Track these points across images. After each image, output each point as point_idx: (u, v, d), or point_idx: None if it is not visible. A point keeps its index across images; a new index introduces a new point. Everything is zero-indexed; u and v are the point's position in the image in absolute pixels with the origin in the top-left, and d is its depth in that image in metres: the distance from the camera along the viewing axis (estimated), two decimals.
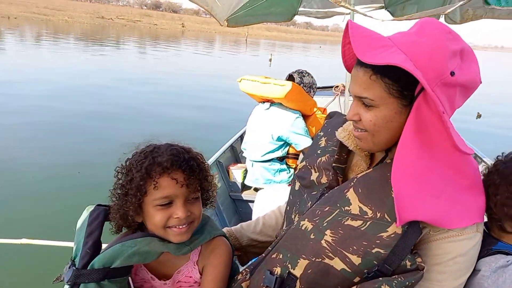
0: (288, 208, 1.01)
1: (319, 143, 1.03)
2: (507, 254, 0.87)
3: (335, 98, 4.48)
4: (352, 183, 0.83)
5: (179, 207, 0.86)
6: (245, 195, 2.75)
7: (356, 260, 0.75)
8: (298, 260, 0.81)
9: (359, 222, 0.77)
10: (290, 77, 2.55)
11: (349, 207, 0.80)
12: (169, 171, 0.84)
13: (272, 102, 2.56)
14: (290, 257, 0.83)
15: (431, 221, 0.72)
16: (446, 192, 0.74)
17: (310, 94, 2.56)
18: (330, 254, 0.78)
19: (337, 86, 4.60)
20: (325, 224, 0.81)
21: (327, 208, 0.83)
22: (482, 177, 0.90)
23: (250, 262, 1.15)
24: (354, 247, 0.75)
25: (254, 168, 2.61)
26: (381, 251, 0.73)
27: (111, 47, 20.06)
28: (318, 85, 4.81)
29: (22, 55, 13.48)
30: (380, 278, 0.73)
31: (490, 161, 2.60)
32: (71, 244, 2.13)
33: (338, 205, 0.81)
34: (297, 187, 1.01)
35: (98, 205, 0.96)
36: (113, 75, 11.29)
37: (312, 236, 0.81)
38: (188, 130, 6.61)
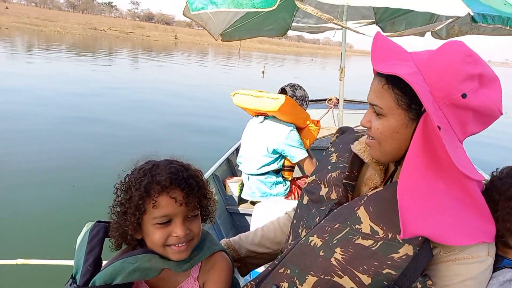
0: (294, 222, 1.01)
1: (330, 158, 1.03)
2: None
3: (328, 111, 4.54)
4: (363, 201, 0.83)
5: (178, 225, 0.86)
6: (242, 209, 2.75)
7: (366, 280, 0.75)
8: (307, 277, 0.81)
9: (370, 242, 0.76)
10: (283, 91, 2.59)
11: (359, 225, 0.79)
12: (168, 190, 0.84)
13: (266, 116, 2.59)
14: (298, 273, 0.83)
15: (435, 237, 0.71)
16: (452, 210, 0.73)
17: (303, 107, 2.59)
18: (339, 272, 0.77)
19: (330, 99, 4.67)
20: (335, 242, 0.80)
21: (337, 225, 0.83)
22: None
23: (251, 273, 1.16)
24: (365, 267, 0.75)
25: (250, 181, 2.62)
26: (392, 272, 0.73)
27: (103, 58, 20.01)
28: (311, 98, 4.90)
29: (13, 64, 13.37)
30: None
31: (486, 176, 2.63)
32: (67, 262, 2.13)
33: (349, 223, 0.81)
34: (305, 201, 1.01)
35: (98, 221, 0.95)
36: (107, 87, 11.26)
37: (321, 253, 0.81)
38: (183, 143, 6.60)
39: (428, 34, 3.40)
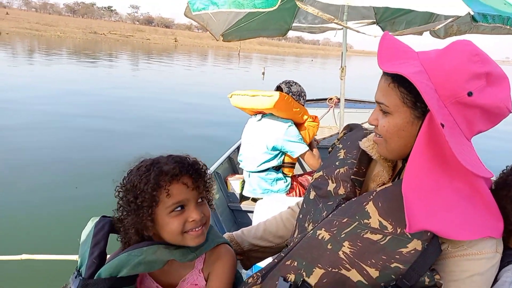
0: (301, 216, 1.02)
1: (338, 155, 1.04)
2: None
3: (329, 110, 4.57)
4: (372, 196, 0.83)
5: (193, 210, 0.89)
6: (244, 206, 2.77)
7: (374, 273, 0.75)
8: (314, 269, 0.81)
9: (378, 236, 0.77)
10: (278, 88, 2.61)
11: (368, 220, 0.80)
12: (178, 177, 0.87)
13: (263, 114, 2.61)
14: (305, 265, 0.83)
15: (442, 232, 0.72)
16: (458, 206, 0.74)
17: (300, 102, 2.60)
18: (347, 266, 0.78)
19: (331, 99, 4.70)
20: (343, 236, 0.81)
21: (345, 220, 0.83)
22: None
23: (253, 267, 1.17)
24: (373, 261, 0.76)
25: (251, 178, 2.64)
26: (400, 266, 0.73)
27: (104, 61, 20.07)
28: (312, 97, 4.94)
29: (14, 69, 13.44)
30: None
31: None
32: (71, 257, 2.16)
33: (357, 217, 0.82)
34: (312, 196, 1.02)
35: (103, 216, 0.97)
36: (108, 87, 11.30)
37: (329, 246, 0.82)
38: (184, 142, 6.62)
39: (426, 33, 3.43)
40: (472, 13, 2.02)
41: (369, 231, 0.79)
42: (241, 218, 2.83)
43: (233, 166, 3.29)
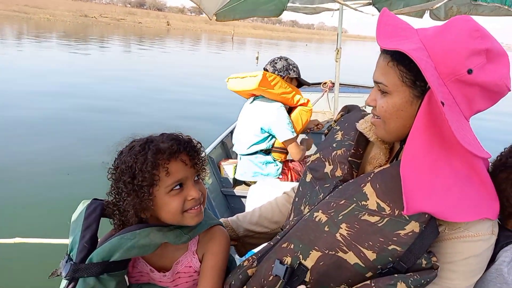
0: (296, 200, 1.01)
1: (335, 136, 1.02)
2: None
3: (323, 94, 4.52)
4: (370, 178, 0.82)
5: (191, 188, 0.87)
6: (237, 191, 2.75)
7: (371, 255, 0.75)
8: (310, 251, 0.81)
9: (376, 218, 0.76)
10: (265, 70, 2.53)
11: (366, 202, 0.79)
12: (176, 154, 0.85)
13: (256, 96, 2.57)
14: (302, 248, 0.82)
15: (439, 214, 0.72)
16: (456, 187, 0.73)
17: (291, 75, 2.50)
18: (344, 248, 0.77)
19: (325, 83, 4.65)
20: (340, 218, 0.80)
21: (342, 201, 0.82)
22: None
23: (249, 253, 1.14)
24: (370, 243, 0.75)
25: (242, 161, 2.63)
26: (398, 248, 0.73)
27: (95, 45, 19.75)
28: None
29: (1, 53, 13.16)
30: (396, 275, 0.74)
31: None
32: (64, 241, 2.17)
33: (355, 199, 0.81)
34: (308, 179, 1.00)
35: (94, 199, 0.94)
36: (99, 73, 11.15)
37: (326, 229, 0.81)
38: (178, 127, 6.52)
39: (427, 16, 3.38)
40: None
41: (366, 213, 0.78)
42: (234, 203, 2.81)
43: (226, 151, 3.26)
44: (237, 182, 2.82)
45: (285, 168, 2.65)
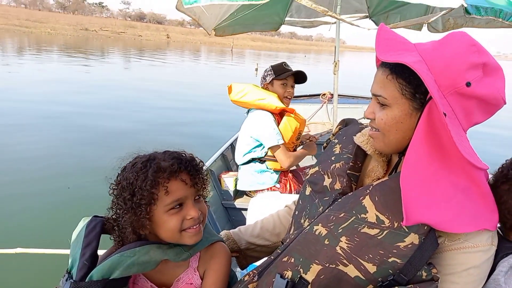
0: (297, 213, 1.01)
1: (333, 150, 1.03)
2: None
3: (322, 105, 4.56)
4: (368, 191, 0.82)
5: (191, 207, 0.87)
6: (238, 203, 2.74)
7: (371, 268, 0.75)
8: (311, 265, 0.81)
9: (376, 231, 0.77)
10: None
11: (365, 215, 0.79)
12: (177, 173, 0.85)
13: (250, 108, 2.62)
14: (302, 262, 0.82)
15: (438, 225, 0.72)
16: (455, 198, 0.74)
17: (267, 80, 2.51)
18: (344, 261, 0.77)
19: (324, 94, 4.68)
20: (340, 231, 0.80)
21: (342, 215, 0.83)
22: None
23: (251, 266, 1.15)
24: (370, 255, 0.75)
25: (240, 171, 2.66)
26: (398, 260, 0.73)
27: (95, 59, 19.89)
28: (305, 93, 4.91)
29: (3, 65, 13.25)
30: (396, 287, 0.73)
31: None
32: (65, 251, 2.18)
33: (354, 212, 0.81)
34: (307, 192, 1.01)
35: (95, 216, 0.94)
36: (100, 86, 11.21)
37: (326, 242, 0.81)
38: (177, 140, 6.59)
39: (425, 30, 3.43)
40: (465, 5, 2.03)
41: (366, 226, 0.78)
42: (235, 216, 2.80)
43: (226, 163, 3.26)
44: (237, 195, 2.82)
45: (284, 178, 2.65)
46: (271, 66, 2.55)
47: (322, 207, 0.91)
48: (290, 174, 2.70)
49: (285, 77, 2.48)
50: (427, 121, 0.74)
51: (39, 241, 2.66)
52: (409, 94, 0.78)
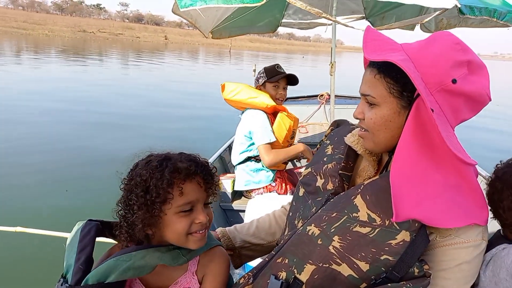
0: (290, 214, 1.02)
1: (326, 151, 1.04)
2: None
3: (320, 106, 4.57)
4: (360, 190, 0.83)
5: (201, 211, 0.87)
6: (235, 205, 2.75)
7: (364, 266, 0.76)
8: (305, 265, 0.81)
9: (367, 229, 0.77)
10: None
11: (357, 213, 0.80)
12: (193, 176, 0.86)
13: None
14: (296, 262, 0.83)
15: (428, 221, 0.73)
16: (445, 194, 0.75)
17: (260, 82, 2.57)
18: (337, 260, 0.78)
19: (322, 95, 4.69)
20: (332, 230, 0.81)
21: (334, 214, 0.83)
22: (485, 188, 0.93)
23: (245, 266, 1.15)
24: (363, 254, 0.76)
25: (236, 172, 2.68)
26: (390, 258, 0.74)
27: (94, 60, 19.87)
28: (303, 94, 4.92)
29: (3, 69, 13.24)
30: (389, 284, 0.74)
31: (483, 172, 2.66)
32: (64, 234, 2.25)
33: (346, 211, 0.82)
34: (301, 193, 1.02)
35: (89, 220, 0.93)
36: (99, 88, 11.22)
37: (319, 242, 0.82)
38: (175, 141, 6.60)
39: (418, 28, 3.44)
40: (459, 5, 2.04)
41: (358, 225, 0.79)
42: (232, 218, 2.81)
43: (224, 165, 3.27)
44: (235, 197, 2.83)
45: (280, 177, 2.66)
46: (264, 68, 2.58)
47: (315, 208, 0.92)
48: (286, 174, 2.71)
49: (277, 79, 2.51)
50: (415, 119, 0.75)
51: (39, 222, 2.75)
52: (397, 92, 0.80)
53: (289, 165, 3.34)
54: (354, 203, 0.82)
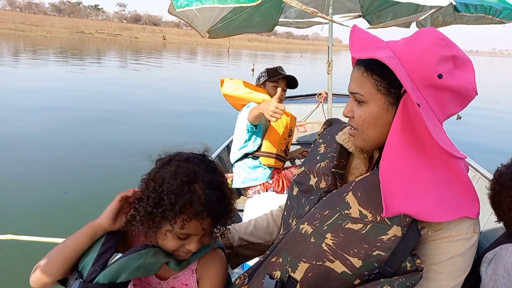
0: (285, 214, 1.02)
1: (318, 149, 1.05)
2: None
3: (318, 105, 4.57)
4: (351, 187, 0.84)
5: (194, 242, 0.88)
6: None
7: (357, 262, 0.76)
8: (299, 264, 0.82)
9: (359, 226, 0.78)
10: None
11: (349, 210, 0.81)
12: (201, 217, 0.85)
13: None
14: (290, 261, 0.84)
15: (419, 215, 0.73)
16: (435, 188, 0.75)
17: (261, 81, 2.65)
18: (331, 257, 0.79)
19: (320, 94, 4.70)
20: (325, 228, 0.82)
21: (326, 212, 0.84)
22: (488, 191, 0.95)
23: (243, 266, 1.16)
24: (355, 250, 0.76)
25: (234, 169, 2.69)
26: (382, 253, 0.75)
27: (92, 61, 19.86)
28: (301, 93, 4.92)
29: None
30: (382, 280, 0.75)
31: (477, 165, 2.67)
32: (56, 240, 2.22)
33: (338, 208, 0.82)
34: (295, 193, 1.03)
35: (114, 232, 0.94)
36: (98, 88, 11.24)
37: (312, 240, 0.82)
38: (175, 140, 6.59)
39: (414, 26, 3.45)
40: (454, 3, 2.04)
41: (350, 221, 0.79)
42: None
43: (223, 165, 3.27)
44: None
45: (277, 175, 2.67)
46: (266, 69, 2.63)
47: (308, 206, 0.93)
48: (283, 171, 2.72)
49: (277, 79, 2.59)
50: (403, 115, 0.76)
51: (31, 229, 2.72)
52: (384, 89, 0.81)
53: (287, 163, 3.35)
54: (346, 200, 0.82)
